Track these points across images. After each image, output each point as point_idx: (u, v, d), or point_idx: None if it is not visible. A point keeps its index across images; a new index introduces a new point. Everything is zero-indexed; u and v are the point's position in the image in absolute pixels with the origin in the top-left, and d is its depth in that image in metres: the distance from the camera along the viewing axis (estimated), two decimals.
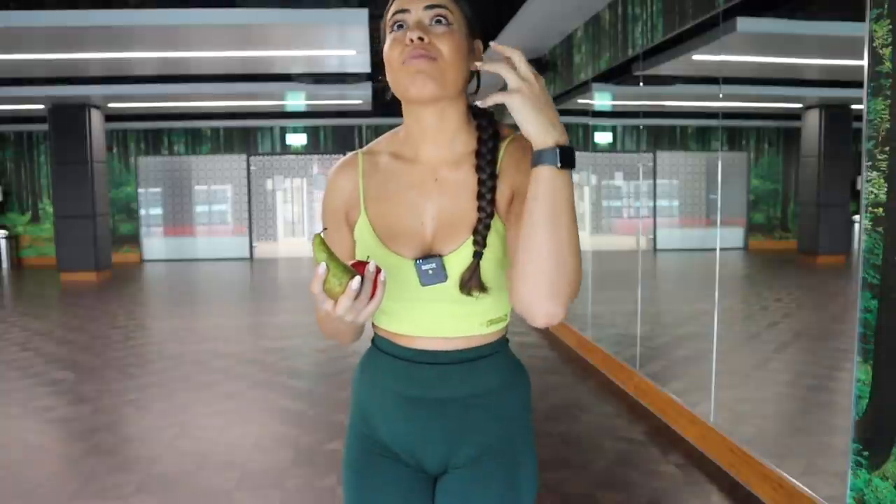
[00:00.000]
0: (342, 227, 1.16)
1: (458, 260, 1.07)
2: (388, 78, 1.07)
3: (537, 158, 0.91)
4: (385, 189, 1.13)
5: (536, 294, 0.93)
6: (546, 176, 0.91)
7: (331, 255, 0.92)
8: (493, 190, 1.07)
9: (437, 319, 1.11)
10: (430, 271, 1.06)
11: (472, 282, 1.06)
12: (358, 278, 0.91)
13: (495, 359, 1.16)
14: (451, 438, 1.14)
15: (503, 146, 1.11)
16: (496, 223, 1.07)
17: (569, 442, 3.30)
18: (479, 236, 1.05)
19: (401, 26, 1.05)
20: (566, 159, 0.90)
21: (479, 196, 1.07)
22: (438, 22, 1.03)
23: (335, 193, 1.17)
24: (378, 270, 0.95)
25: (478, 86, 1.15)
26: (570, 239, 0.92)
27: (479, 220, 1.06)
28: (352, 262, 0.97)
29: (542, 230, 0.91)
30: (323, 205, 1.19)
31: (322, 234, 0.95)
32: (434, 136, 1.11)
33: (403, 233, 1.10)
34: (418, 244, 1.09)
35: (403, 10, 1.05)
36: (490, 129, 1.11)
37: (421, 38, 1.01)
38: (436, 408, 1.13)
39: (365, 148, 1.20)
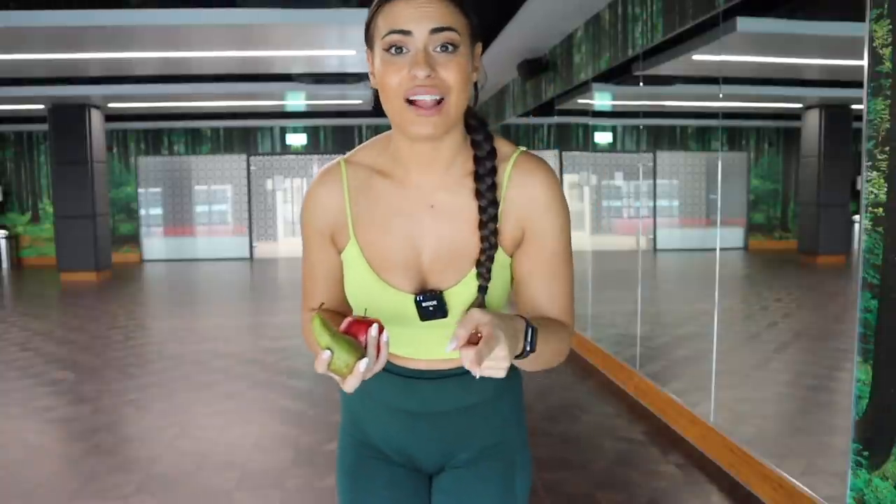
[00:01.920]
0: (327, 247, 1.08)
1: (459, 294, 1.01)
2: (384, 104, 0.96)
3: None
4: (375, 214, 1.04)
5: (535, 371, 1.04)
6: (524, 363, 0.96)
7: (334, 335, 0.88)
8: (495, 218, 0.98)
9: (436, 344, 1.06)
10: (431, 308, 1.01)
11: None
12: (365, 360, 0.88)
13: None
14: (448, 445, 1.14)
15: (506, 169, 1.01)
16: (499, 254, 1.01)
17: (568, 442, 3.30)
18: (484, 269, 0.99)
19: (399, 50, 0.92)
20: (534, 344, 0.92)
21: (482, 225, 0.99)
22: (445, 49, 0.91)
23: (317, 211, 1.06)
24: (381, 331, 0.91)
25: (476, 99, 1.05)
26: (551, 351, 0.99)
27: (483, 252, 0.99)
28: (350, 318, 0.93)
29: (533, 367, 1.01)
30: (304, 221, 1.08)
31: (321, 315, 0.89)
32: (429, 162, 1.01)
33: (399, 264, 1.02)
34: (415, 276, 1.02)
35: (404, 32, 0.91)
36: (487, 146, 1.00)
37: (429, 76, 0.90)
38: (434, 420, 1.12)
39: (347, 156, 1.08)
